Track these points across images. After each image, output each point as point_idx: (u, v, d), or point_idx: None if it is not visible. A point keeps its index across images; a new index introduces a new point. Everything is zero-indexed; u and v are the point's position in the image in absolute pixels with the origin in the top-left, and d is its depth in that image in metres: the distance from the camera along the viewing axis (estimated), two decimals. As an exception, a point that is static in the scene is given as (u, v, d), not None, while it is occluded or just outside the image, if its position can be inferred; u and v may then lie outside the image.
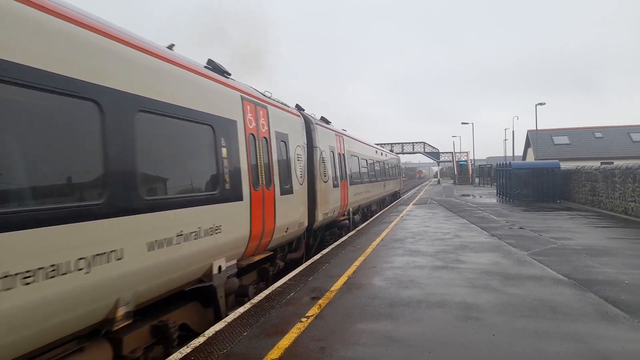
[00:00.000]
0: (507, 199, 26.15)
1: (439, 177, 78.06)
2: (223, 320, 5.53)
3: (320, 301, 6.18)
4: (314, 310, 5.76)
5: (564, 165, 25.14)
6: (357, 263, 8.74)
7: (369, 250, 10.24)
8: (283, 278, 7.72)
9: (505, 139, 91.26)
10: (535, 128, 40.11)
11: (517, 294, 6.34)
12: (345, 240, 12.04)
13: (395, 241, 11.49)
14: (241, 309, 5.93)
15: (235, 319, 5.53)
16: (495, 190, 32.84)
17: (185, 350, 4.58)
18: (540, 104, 39.15)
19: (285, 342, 4.71)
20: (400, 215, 18.75)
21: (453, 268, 8.11)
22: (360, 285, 7.06)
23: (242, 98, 6.60)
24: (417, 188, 54.94)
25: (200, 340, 4.85)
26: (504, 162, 29.84)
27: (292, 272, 8.18)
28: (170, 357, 4.45)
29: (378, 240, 11.77)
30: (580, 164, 24.77)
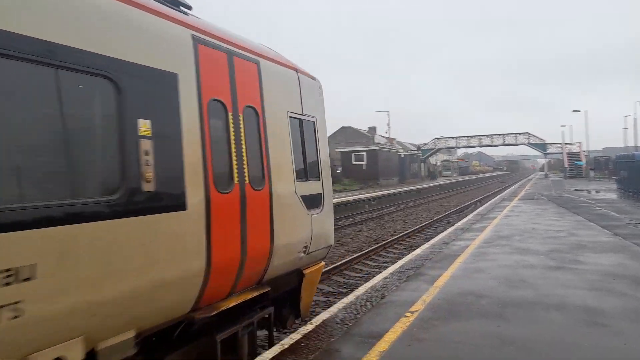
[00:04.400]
0: (630, 194, 23.34)
1: (546, 170, 72.00)
2: (328, 310, 5.70)
3: (423, 297, 6.07)
4: (418, 306, 5.68)
5: None
6: (459, 260, 8.43)
7: (472, 246, 9.81)
8: (381, 274, 7.73)
9: (626, 127, 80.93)
10: (665, 114, 35.15)
11: (651, 300, 5.64)
12: (441, 237, 11.67)
13: (500, 238, 10.86)
14: (345, 300, 6.07)
15: (340, 310, 5.67)
16: (614, 185, 29.53)
17: (296, 336, 4.81)
18: (673, 85, 34.20)
19: (392, 335, 4.71)
20: (503, 211, 17.66)
21: (570, 269, 7.45)
22: (465, 283, 6.79)
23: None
24: (521, 182, 51.32)
25: (308, 327, 5.05)
26: (627, 153, 26.60)
27: (389, 268, 8.14)
28: (282, 342, 4.70)
29: (481, 236, 11.23)
30: None
